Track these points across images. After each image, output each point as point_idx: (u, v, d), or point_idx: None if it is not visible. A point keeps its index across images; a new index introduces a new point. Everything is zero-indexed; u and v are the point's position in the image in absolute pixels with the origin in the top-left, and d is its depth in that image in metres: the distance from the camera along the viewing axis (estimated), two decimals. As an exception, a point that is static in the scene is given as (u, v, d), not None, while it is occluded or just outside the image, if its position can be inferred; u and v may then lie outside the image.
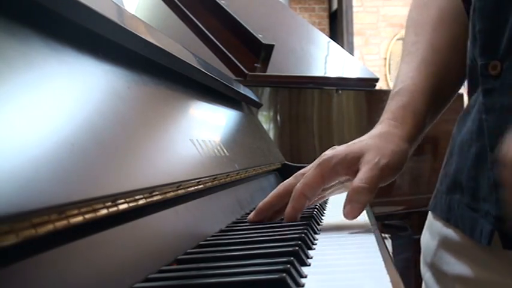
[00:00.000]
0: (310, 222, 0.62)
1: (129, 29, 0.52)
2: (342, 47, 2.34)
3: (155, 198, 0.46)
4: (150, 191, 0.45)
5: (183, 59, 0.67)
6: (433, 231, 0.70)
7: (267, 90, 1.47)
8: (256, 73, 1.42)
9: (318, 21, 6.43)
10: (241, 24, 1.47)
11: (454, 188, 0.64)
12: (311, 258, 0.48)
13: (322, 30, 4.77)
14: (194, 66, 0.72)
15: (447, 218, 0.66)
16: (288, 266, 0.39)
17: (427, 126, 0.70)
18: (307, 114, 1.53)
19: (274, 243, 0.51)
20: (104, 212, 0.37)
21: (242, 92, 1.04)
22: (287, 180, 0.67)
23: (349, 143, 0.65)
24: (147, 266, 0.41)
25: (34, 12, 0.39)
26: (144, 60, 0.58)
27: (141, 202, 0.43)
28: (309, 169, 0.64)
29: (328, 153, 0.64)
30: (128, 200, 0.41)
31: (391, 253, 0.70)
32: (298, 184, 0.63)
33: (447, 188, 0.65)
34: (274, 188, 0.67)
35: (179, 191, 0.52)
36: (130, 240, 0.41)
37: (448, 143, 0.69)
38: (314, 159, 0.65)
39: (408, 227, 1.77)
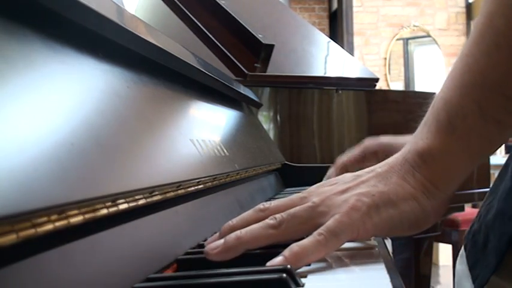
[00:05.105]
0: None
1: (129, 29, 0.52)
2: (342, 47, 2.34)
3: (155, 198, 0.46)
4: (150, 191, 0.45)
5: (183, 59, 0.67)
6: None
7: (267, 90, 1.47)
8: (256, 73, 1.42)
9: (318, 21, 6.43)
10: (241, 24, 1.47)
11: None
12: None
13: (322, 30, 4.77)
14: (194, 66, 0.72)
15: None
16: (288, 266, 0.39)
17: None
18: (307, 114, 1.53)
19: (274, 243, 0.51)
20: (104, 212, 0.37)
21: (242, 92, 1.04)
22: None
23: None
24: (147, 266, 0.41)
25: (34, 12, 0.39)
26: (143, 60, 0.58)
27: (141, 202, 0.43)
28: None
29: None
30: (128, 200, 0.41)
31: (391, 253, 0.70)
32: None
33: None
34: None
35: (179, 191, 0.52)
36: (130, 240, 0.41)
37: None
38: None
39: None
